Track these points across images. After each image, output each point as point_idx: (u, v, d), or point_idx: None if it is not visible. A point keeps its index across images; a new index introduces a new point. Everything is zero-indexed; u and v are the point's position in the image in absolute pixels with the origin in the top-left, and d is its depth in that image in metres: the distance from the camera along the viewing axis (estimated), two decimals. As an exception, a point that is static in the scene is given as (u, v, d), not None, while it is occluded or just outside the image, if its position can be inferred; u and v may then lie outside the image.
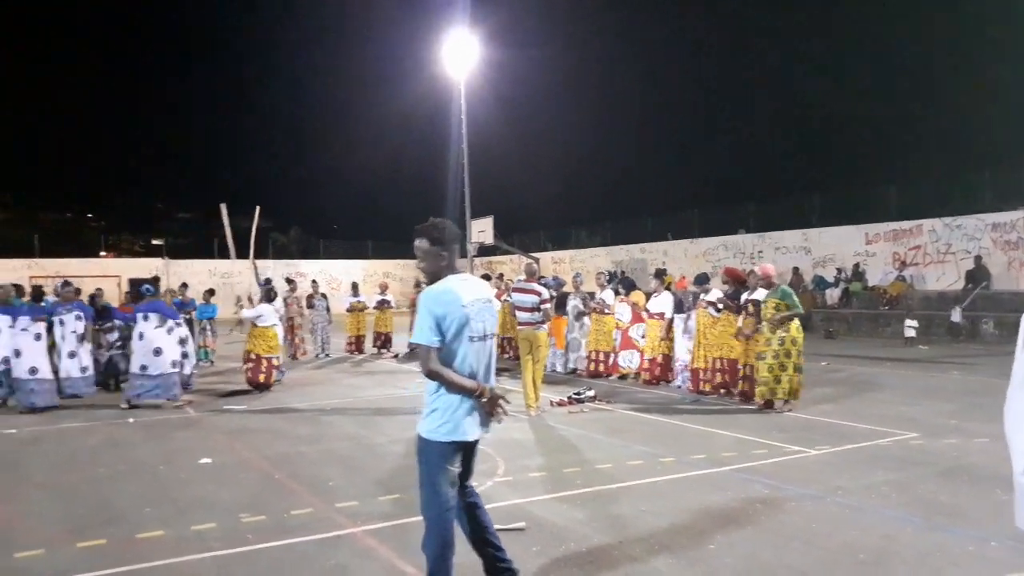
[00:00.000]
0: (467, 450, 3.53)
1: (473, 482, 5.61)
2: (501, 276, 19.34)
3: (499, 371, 13.09)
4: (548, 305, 9.09)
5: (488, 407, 3.45)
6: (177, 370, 9.94)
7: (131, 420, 8.94)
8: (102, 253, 40.60)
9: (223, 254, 34.61)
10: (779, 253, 23.50)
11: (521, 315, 9.08)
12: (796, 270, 22.04)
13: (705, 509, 5.14)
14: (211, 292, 15.63)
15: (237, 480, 6.17)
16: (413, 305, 15.94)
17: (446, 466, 3.39)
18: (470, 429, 3.42)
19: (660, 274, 11.41)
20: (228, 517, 5.10)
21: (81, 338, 10.37)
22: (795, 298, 8.63)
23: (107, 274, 30.02)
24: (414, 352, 15.45)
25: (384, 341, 16.65)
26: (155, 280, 14.54)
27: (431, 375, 3.34)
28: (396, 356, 15.85)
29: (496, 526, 4.67)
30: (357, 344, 16.77)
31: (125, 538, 4.74)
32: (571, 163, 50.87)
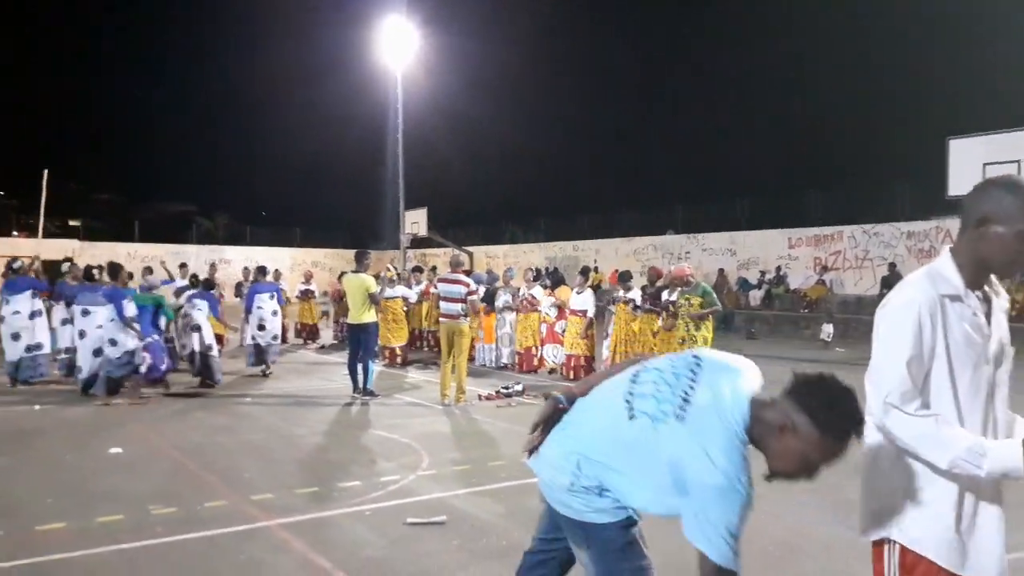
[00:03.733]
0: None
1: (394, 475, 5.59)
2: (434, 269, 19.21)
3: (413, 362, 13.03)
4: (475, 297, 9.13)
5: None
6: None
7: (37, 407, 8.52)
8: (14, 232, 38.62)
9: (146, 238, 33.41)
10: (706, 254, 24.07)
11: (445, 306, 9.07)
12: (721, 271, 22.59)
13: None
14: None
15: (148, 471, 5.94)
16: (336, 296, 15.62)
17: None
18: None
19: (585, 271, 11.52)
20: (137, 509, 4.90)
21: None
22: (714, 296, 8.88)
23: (20, 254, 28.57)
24: (338, 343, 15.18)
25: (310, 332, 16.31)
26: (68, 260, 13.86)
27: None
28: (321, 347, 15.55)
29: (414, 519, 4.67)
30: (282, 334, 16.36)
31: (23, 530, 4.50)
32: (508, 159, 51.01)
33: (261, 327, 11.53)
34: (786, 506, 5.15)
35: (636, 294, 10.06)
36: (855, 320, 18.13)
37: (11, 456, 6.35)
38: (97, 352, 9.19)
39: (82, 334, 9.33)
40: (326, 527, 4.65)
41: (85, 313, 9.32)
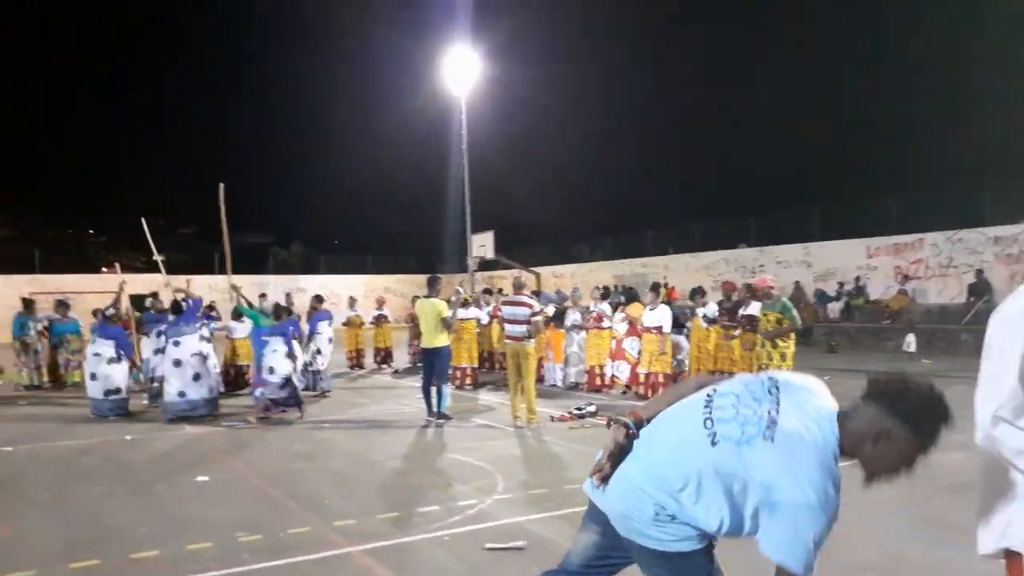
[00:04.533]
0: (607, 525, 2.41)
1: (471, 500, 5.58)
2: (500, 291, 19.31)
3: (485, 384, 13.08)
4: (539, 318, 9.16)
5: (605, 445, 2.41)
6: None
7: (128, 437, 8.88)
8: (104, 269, 40.55)
9: (222, 270, 34.68)
10: (780, 267, 23.48)
11: (510, 328, 9.11)
12: (797, 284, 22.00)
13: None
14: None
15: (234, 498, 6.10)
16: (411, 320, 15.88)
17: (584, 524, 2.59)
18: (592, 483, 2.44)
19: (656, 287, 11.38)
20: (224, 536, 5.04)
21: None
22: (795, 312, 8.62)
23: (108, 290, 29.98)
24: (414, 367, 15.41)
25: (384, 356, 16.59)
26: (154, 295, 14.48)
27: None
28: (395, 372, 15.78)
29: (493, 545, 4.66)
30: (357, 358, 16.71)
31: (119, 558, 4.67)
32: (572, 177, 50.95)
33: (319, 352, 12.31)
34: (876, 527, 4.95)
35: (712, 309, 9.87)
36: (940, 330, 17.38)
37: (104, 485, 6.61)
38: (195, 377, 9.85)
39: (177, 363, 9.77)
40: (407, 553, 4.68)
41: (176, 344, 9.85)
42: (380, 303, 17.41)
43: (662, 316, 10.71)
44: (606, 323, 11.68)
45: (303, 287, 31.95)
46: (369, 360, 16.77)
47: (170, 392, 9.84)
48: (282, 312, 10.87)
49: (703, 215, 31.26)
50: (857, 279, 21.32)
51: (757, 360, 8.72)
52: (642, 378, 10.95)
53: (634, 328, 11.18)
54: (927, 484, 6.01)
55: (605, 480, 2.30)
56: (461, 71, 25.55)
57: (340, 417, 10.10)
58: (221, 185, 10.69)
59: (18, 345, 13.48)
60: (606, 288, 15.72)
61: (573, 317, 12.05)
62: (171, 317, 10.59)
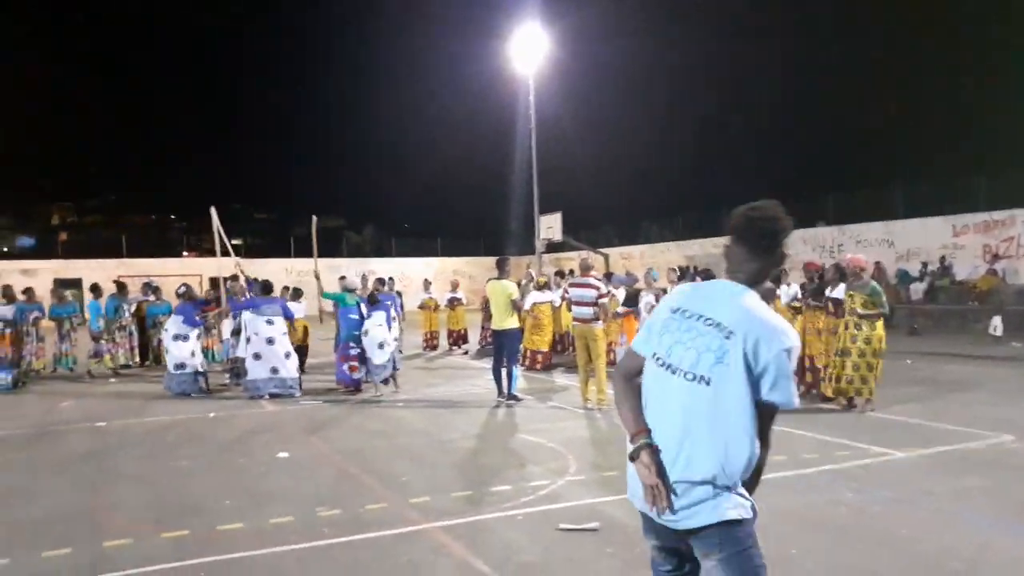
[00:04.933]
0: (669, 534, 2.32)
1: (543, 480, 5.57)
2: (571, 272, 19.22)
3: (557, 366, 13.05)
4: (605, 300, 9.09)
5: (639, 471, 2.26)
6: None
7: (211, 415, 9.22)
8: (184, 253, 42.10)
9: (299, 253, 35.58)
10: (860, 246, 22.62)
11: (577, 310, 9.07)
12: (878, 264, 21.14)
13: (786, 512, 4.95)
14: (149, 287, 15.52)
15: (313, 474, 6.28)
16: (484, 302, 15.98)
17: (644, 529, 2.44)
18: (632, 489, 2.37)
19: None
20: (305, 510, 5.19)
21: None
22: (884, 298, 8.29)
23: (189, 273, 31.18)
24: (484, 348, 15.54)
25: (457, 338, 16.76)
26: (233, 278, 14.95)
27: (613, 379, 2.57)
28: (466, 352, 15.94)
29: (566, 526, 4.66)
30: (431, 340, 16.95)
31: (207, 529, 4.87)
32: (641, 155, 50.19)
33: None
34: (962, 517, 4.75)
35: (795, 290, 9.57)
36: (1035, 312, 16.48)
37: (192, 460, 6.89)
38: (287, 355, 10.27)
39: (271, 341, 10.14)
40: (481, 531, 4.73)
41: (269, 323, 10.24)
42: (454, 285, 17.58)
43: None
44: None
45: (375, 270, 32.56)
46: (443, 342, 16.99)
47: (260, 370, 10.18)
48: (381, 286, 11.70)
49: (779, 192, 30.30)
50: (942, 259, 20.39)
51: (840, 343, 8.45)
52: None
53: None
54: (1017, 472, 5.74)
55: (671, 505, 2.23)
56: (529, 51, 25.42)
57: (413, 397, 10.26)
58: (213, 210, 11.79)
59: (112, 326, 14.10)
60: (682, 269, 15.40)
61: (647, 299, 11.88)
62: (256, 296, 10.92)
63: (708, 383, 2.17)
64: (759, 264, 2.30)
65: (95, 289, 14.24)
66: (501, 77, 28.40)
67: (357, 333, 10.56)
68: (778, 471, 5.99)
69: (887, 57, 41.91)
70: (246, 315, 10.46)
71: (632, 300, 12.08)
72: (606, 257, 30.11)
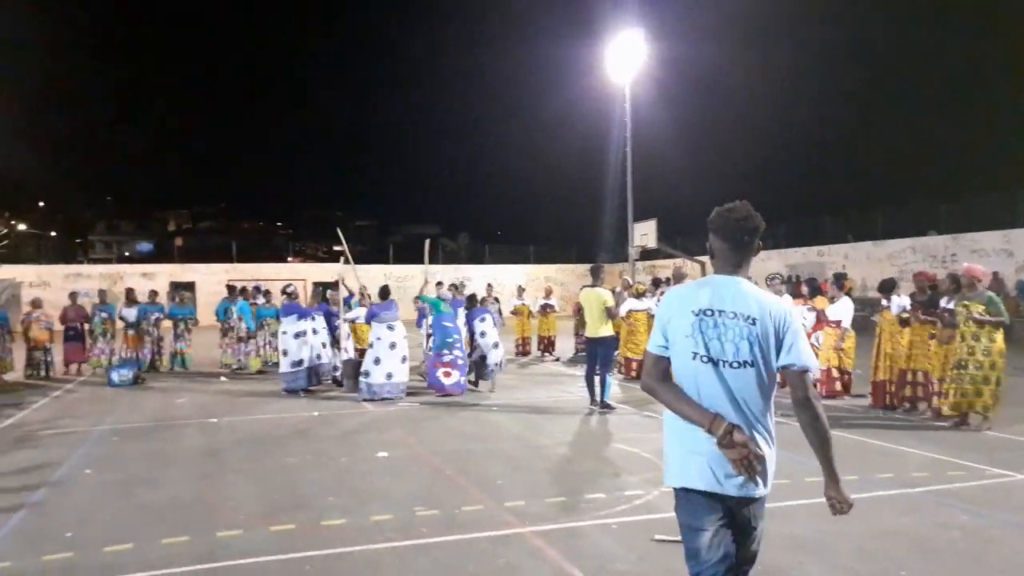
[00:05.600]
0: (730, 509, 2.59)
1: (638, 490, 5.52)
2: (668, 280, 18.95)
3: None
4: None
5: (728, 452, 2.48)
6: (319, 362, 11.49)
7: (315, 414, 9.59)
8: (290, 258, 43.90)
9: (398, 260, 36.52)
10: (976, 256, 21.36)
11: None
12: (996, 275, 19.94)
13: (895, 533, 4.76)
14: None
15: (411, 474, 6.45)
16: (577, 311, 15.98)
17: (687, 520, 2.63)
18: (696, 474, 2.58)
19: (839, 278, 10.68)
20: (403, 509, 5.34)
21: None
22: (1002, 307, 7.83)
23: (295, 278, 32.51)
24: (577, 356, 15.53)
25: (547, 344, 16.81)
26: (335, 284, 15.49)
27: (644, 388, 2.77)
28: (557, 359, 15.96)
29: (662, 537, 4.61)
30: (524, 346, 17.07)
31: (311, 524, 5.08)
32: (738, 161, 49.06)
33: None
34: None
35: (905, 302, 9.15)
36: None
37: (298, 457, 7.19)
38: (403, 360, 10.61)
39: (392, 346, 10.52)
40: (576, 537, 4.74)
41: (390, 328, 10.61)
42: (547, 292, 17.68)
43: (841, 309, 10.08)
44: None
45: (469, 276, 33.01)
46: (534, 348, 17.08)
47: (379, 374, 10.50)
48: (477, 299, 12.35)
49: (886, 200, 29.06)
50: (1070, 270, 19.03)
51: (955, 356, 8.03)
52: (817, 374, 10.37)
53: (821, 323, 10.56)
54: None
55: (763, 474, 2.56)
56: (626, 58, 25.26)
57: (507, 402, 10.36)
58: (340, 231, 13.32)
59: (223, 327, 14.89)
60: (791, 278, 14.91)
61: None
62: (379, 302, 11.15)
63: (752, 365, 2.55)
64: (741, 256, 2.72)
65: (243, 291, 15.19)
66: (596, 84, 28.31)
67: (451, 340, 10.76)
68: (883, 489, 5.77)
69: (1001, 61, 39.49)
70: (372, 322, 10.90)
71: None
72: (702, 265, 29.48)
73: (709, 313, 2.62)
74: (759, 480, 2.52)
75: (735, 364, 2.54)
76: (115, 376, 12.58)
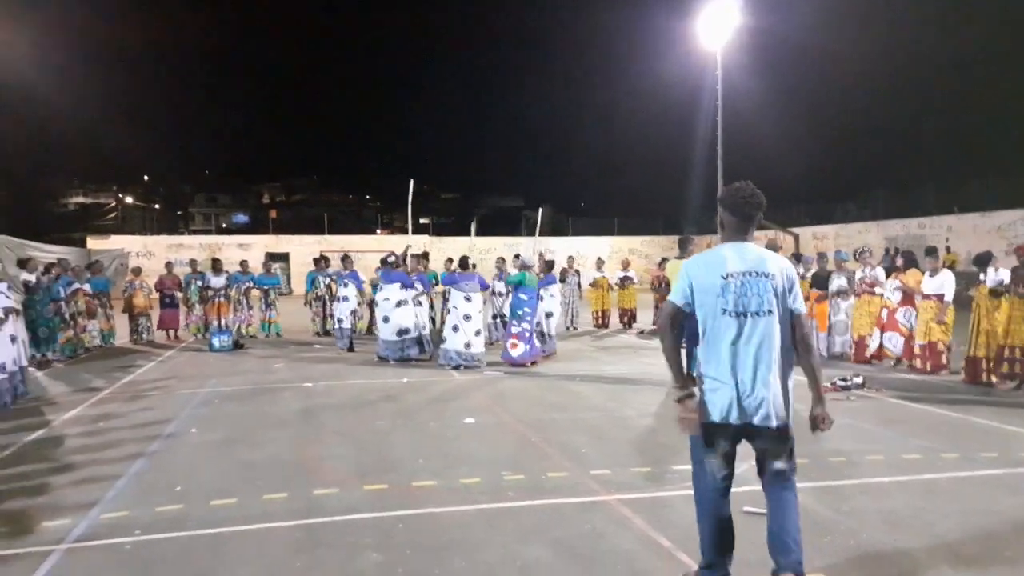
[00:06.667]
0: (745, 435, 3.35)
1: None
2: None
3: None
4: None
5: (680, 410, 3.31)
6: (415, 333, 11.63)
7: (404, 380, 9.85)
8: (378, 231, 44.86)
9: (481, 232, 36.79)
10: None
11: None
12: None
13: (999, 513, 4.56)
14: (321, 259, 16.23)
15: (497, 440, 6.57)
16: (657, 283, 15.79)
17: (703, 447, 3.38)
18: (719, 410, 3.26)
19: (932, 251, 10.16)
20: (491, 474, 5.46)
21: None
22: None
23: (383, 249, 33.24)
24: (650, 331, 15.37)
25: (629, 317, 16.69)
26: (425, 255, 15.74)
27: (659, 332, 3.45)
28: (641, 332, 15.83)
29: (751, 509, 4.56)
30: (603, 318, 17.01)
31: (403, 485, 5.25)
32: (836, 128, 46.93)
33: (549, 314, 12.44)
34: None
35: (1004, 275, 8.67)
36: None
37: (387, 420, 7.42)
38: (478, 332, 10.73)
39: (467, 317, 10.66)
40: (662, 506, 4.74)
41: (468, 299, 10.73)
42: (625, 265, 17.52)
43: (944, 282, 9.61)
44: (878, 290, 10.74)
45: (553, 248, 32.99)
46: (614, 321, 17.00)
47: (455, 342, 10.72)
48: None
49: (996, 169, 27.30)
50: None
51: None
52: (917, 350, 9.95)
53: (910, 298, 10.12)
54: None
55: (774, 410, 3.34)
56: (718, 24, 24.51)
57: (589, 373, 10.38)
58: (412, 182, 13.39)
59: (309, 297, 15.46)
60: (886, 250, 14.32)
61: (839, 282, 11.20)
62: (460, 272, 11.19)
63: (772, 312, 3.19)
64: (748, 226, 3.34)
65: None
66: (686, 52, 27.62)
67: (520, 312, 10.78)
68: (986, 468, 5.53)
69: None
70: (451, 290, 11.07)
71: (822, 282, 11.44)
72: (796, 237, 28.62)
73: (735, 275, 3.20)
74: (775, 415, 3.27)
75: (760, 313, 3.17)
76: (216, 341, 13.24)
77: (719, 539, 3.46)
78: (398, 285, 11.54)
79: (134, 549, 4.18)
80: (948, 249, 22.71)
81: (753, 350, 3.18)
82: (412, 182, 13.60)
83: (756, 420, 3.24)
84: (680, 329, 3.31)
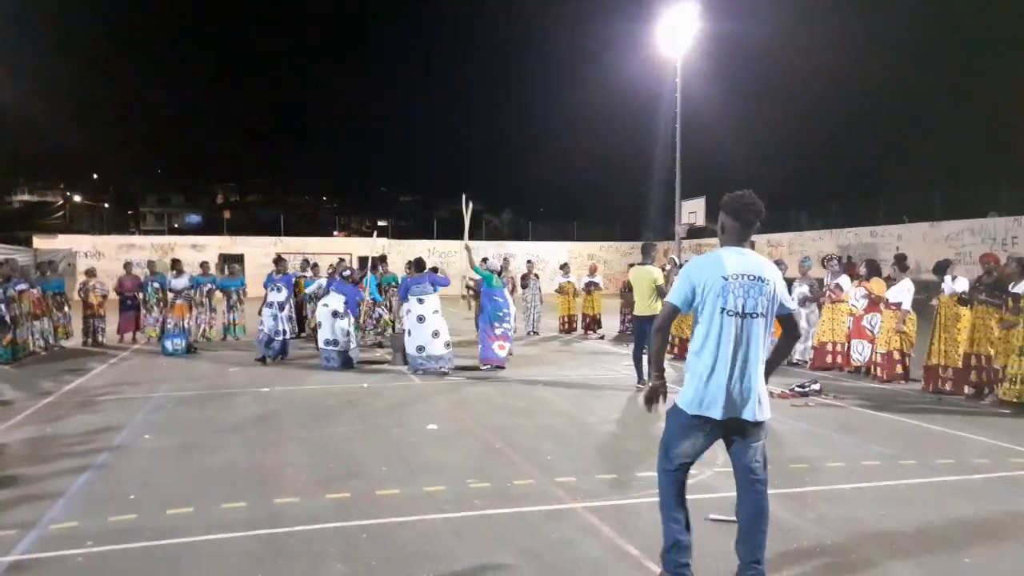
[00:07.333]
0: (724, 430, 3.47)
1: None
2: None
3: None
4: None
5: (647, 399, 3.66)
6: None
7: (365, 385, 9.71)
8: (335, 232, 44.34)
9: (441, 235, 36.65)
10: (1039, 239, 20.65)
11: None
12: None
13: (957, 519, 4.64)
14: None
15: (461, 446, 6.49)
16: (624, 288, 15.86)
17: (679, 437, 3.58)
18: (714, 405, 3.39)
19: (900, 260, 10.39)
20: (456, 481, 5.38)
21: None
22: None
23: (340, 251, 32.86)
24: (623, 335, 15.46)
25: (591, 322, 16.74)
26: (383, 258, 15.56)
27: (656, 328, 3.61)
28: (602, 337, 15.89)
29: (716, 516, 4.57)
30: (569, 323, 17.03)
31: (366, 493, 5.15)
32: (791, 139, 47.97)
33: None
34: None
35: (964, 284, 8.89)
36: None
37: (347, 426, 7.29)
38: (435, 334, 10.49)
39: (420, 319, 10.50)
40: (629, 514, 4.73)
41: (420, 301, 10.55)
42: (592, 270, 17.55)
43: (902, 291, 9.82)
44: (850, 297, 10.87)
45: (512, 253, 33.00)
46: (579, 326, 17.03)
47: (410, 346, 10.61)
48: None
49: (942, 181, 28.17)
50: None
51: (1018, 342, 7.78)
52: (877, 358, 10.11)
53: (875, 305, 10.30)
54: None
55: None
56: (676, 32, 24.80)
57: (552, 378, 10.36)
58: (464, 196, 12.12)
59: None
60: (850, 258, 14.65)
61: (800, 289, 11.36)
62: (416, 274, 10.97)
63: (764, 316, 3.39)
64: (747, 232, 3.52)
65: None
66: (645, 60, 27.87)
67: (502, 313, 10.83)
68: (943, 475, 5.65)
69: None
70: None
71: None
72: (751, 244, 29.02)
73: (736, 277, 3.37)
74: (757, 409, 3.40)
75: (754, 315, 3.36)
76: (168, 344, 12.89)
77: (677, 500, 3.66)
78: (343, 299, 11.24)
79: (86, 561, 4.01)
80: (905, 257, 23.30)
81: (745, 348, 3.37)
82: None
83: (744, 414, 3.39)
84: (644, 334, 3.52)
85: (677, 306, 3.49)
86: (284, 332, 12.08)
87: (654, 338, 3.64)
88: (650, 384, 3.65)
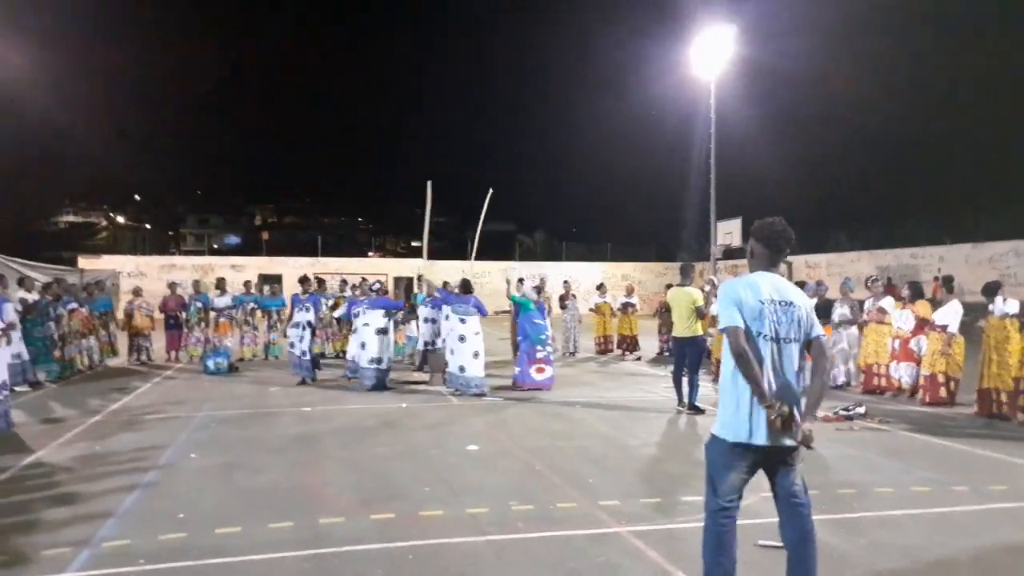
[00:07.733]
0: (766, 457, 3.40)
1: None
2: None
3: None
4: None
5: (774, 423, 3.29)
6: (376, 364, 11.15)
7: (403, 405, 9.75)
8: (370, 253, 44.76)
9: (478, 255, 36.76)
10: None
11: None
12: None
13: (1013, 547, 4.52)
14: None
15: (501, 468, 6.48)
16: (661, 308, 15.77)
17: (724, 469, 3.45)
18: (758, 432, 3.31)
19: (947, 281, 10.19)
20: (498, 503, 5.37)
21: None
22: None
23: (376, 271, 33.18)
24: (660, 356, 15.35)
25: (629, 343, 16.64)
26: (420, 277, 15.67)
27: (737, 353, 3.33)
28: (639, 358, 15.79)
29: (765, 542, 4.50)
30: (605, 344, 16.96)
31: (410, 514, 5.16)
32: (829, 159, 47.35)
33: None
34: None
35: (1015, 306, 8.68)
36: None
37: (388, 447, 7.32)
38: (475, 355, 10.53)
39: (462, 338, 10.55)
40: (675, 539, 4.68)
41: (462, 321, 10.60)
42: (629, 290, 17.48)
43: (950, 313, 9.61)
44: (892, 320, 10.67)
45: (546, 274, 32.97)
46: (615, 347, 16.94)
47: (451, 366, 10.67)
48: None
49: (988, 200, 27.58)
50: None
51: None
52: (922, 381, 9.89)
53: (921, 327, 10.10)
54: None
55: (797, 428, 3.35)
56: (711, 54, 24.79)
57: (590, 399, 10.31)
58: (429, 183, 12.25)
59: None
60: (879, 279, 14.46)
61: (841, 311, 11.19)
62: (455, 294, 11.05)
63: (797, 341, 3.39)
64: (777, 258, 3.56)
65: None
66: (680, 81, 27.87)
67: (543, 337, 10.90)
68: (996, 501, 5.49)
69: None
70: (445, 310, 10.97)
71: (824, 310, 11.45)
72: (789, 265, 28.73)
73: (771, 302, 3.38)
74: (787, 436, 3.33)
75: (789, 340, 3.36)
76: (211, 364, 13.09)
77: (719, 556, 3.48)
78: (381, 312, 11.35)
79: (138, 580, 4.07)
80: (937, 278, 22.84)
81: (783, 373, 3.34)
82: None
83: (786, 440, 3.34)
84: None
85: (738, 326, 3.35)
86: (310, 351, 12.15)
87: (740, 364, 3.32)
88: (772, 418, 3.29)
